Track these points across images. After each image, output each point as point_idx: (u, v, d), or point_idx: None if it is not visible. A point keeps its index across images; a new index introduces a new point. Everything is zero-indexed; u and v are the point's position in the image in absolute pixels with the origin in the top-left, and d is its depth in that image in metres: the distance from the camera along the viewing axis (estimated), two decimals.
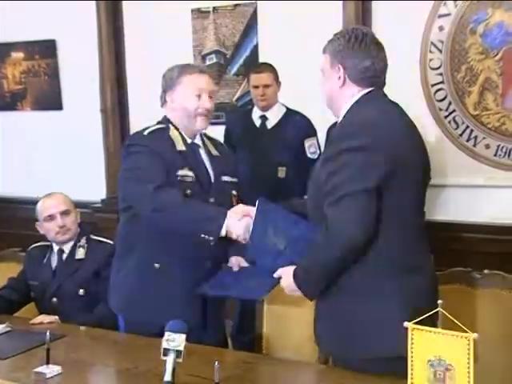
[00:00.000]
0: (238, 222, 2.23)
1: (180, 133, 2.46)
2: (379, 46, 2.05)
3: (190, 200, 2.34)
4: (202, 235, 2.24)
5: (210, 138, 2.60)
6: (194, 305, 2.37)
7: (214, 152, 2.54)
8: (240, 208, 2.28)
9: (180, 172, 2.37)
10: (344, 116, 2.03)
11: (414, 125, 2.07)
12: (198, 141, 2.52)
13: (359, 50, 2.00)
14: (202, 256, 2.39)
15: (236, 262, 2.48)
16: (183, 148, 2.43)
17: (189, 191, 2.36)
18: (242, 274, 2.42)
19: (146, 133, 2.45)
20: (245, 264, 2.47)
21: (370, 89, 2.02)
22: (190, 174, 2.39)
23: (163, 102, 2.50)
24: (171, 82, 2.45)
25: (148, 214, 2.31)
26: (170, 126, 2.47)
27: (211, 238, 2.24)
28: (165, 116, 2.51)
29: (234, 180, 2.55)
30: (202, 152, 2.51)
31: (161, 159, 2.36)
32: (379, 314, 1.91)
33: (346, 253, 1.89)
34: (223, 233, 2.24)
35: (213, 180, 2.46)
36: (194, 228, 2.25)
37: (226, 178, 2.50)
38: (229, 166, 2.57)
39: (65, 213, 2.86)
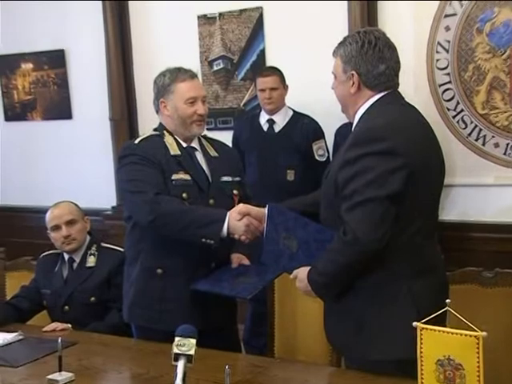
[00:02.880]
0: (238, 222, 2.24)
1: (175, 138, 2.47)
2: (392, 48, 2.01)
3: (189, 206, 2.35)
4: (203, 240, 2.25)
5: (209, 139, 2.60)
6: (202, 308, 2.37)
7: (213, 153, 2.54)
8: (239, 208, 2.27)
9: (175, 176, 2.38)
10: (361, 119, 2.01)
11: (431, 127, 2.05)
12: (194, 144, 2.52)
13: (373, 55, 1.97)
14: (206, 257, 2.39)
15: (237, 259, 2.48)
16: (178, 152, 2.44)
17: (185, 195, 2.37)
18: (239, 272, 2.42)
19: (136, 141, 2.48)
20: (246, 262, 2.48)
21: (387, 91, 2.01)
22: (186, 177, 2.40)
23: (157, 109, 2.51)
24: (163, 89, 2.45)
25: (148, 224, 2.32)
26: (165, 132, 2.48)
27: (212, 242, 2.25)
28: (160, 123, 2.52)
29: (236, 179, 2.54)
30: (199, 155, 2.51)
31: (155, 165, 2.37)
32: (391, 315, 1.91)
33: (364, 258, 1.88)
34: (224, 234, 2.25)
35: (211, 181, 2.46)
36: (194, 234, 2.26)
37: (225, 178, 2.50)
38: (230, 165, 2.56)
39: (70, 223, 2.86)
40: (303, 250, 2.07)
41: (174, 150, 2.44)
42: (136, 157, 2.40)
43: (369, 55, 1.97)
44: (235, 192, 2.50)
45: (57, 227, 2.87)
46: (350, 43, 2.00)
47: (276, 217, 2.14)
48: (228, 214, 2.26)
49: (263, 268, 2.35)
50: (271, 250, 2.14)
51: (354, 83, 2.00)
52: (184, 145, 2.48)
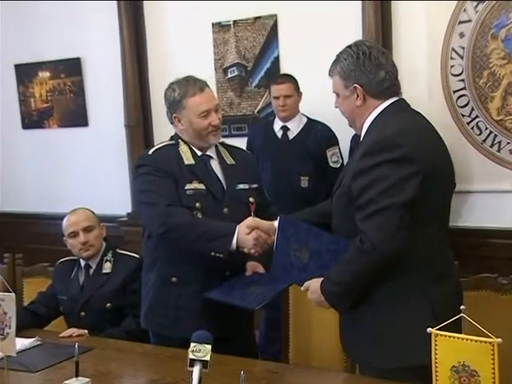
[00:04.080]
0: (247, 235, 2.25)
1: (190, 147, 2.48)
2: (385, 54, 2.05)
3: (199, 219, 2.36)
4: (212, 253, 2.27)
5: (226, 146, 2.60)
6: (216, 317, 2.36)
7: (229, 161, 2.54)
8: (248, 221, 2.29)
9: (189, 186, 2.40)
10: (369, 129, 2.02)
11: (439, 133, 2.07)
12: (210, 152, 2.52)
13: (370, 64, 1.99)
14: (220, 266, 2.40)
15: (251, 267, 2.49)
16: (192, 162, 2.44)
17: (198, 204, 2.38)
18: (252, 280, 2.43)
19: (150, 152, 2.49)
20: (261, 270, 2.49)
21: (393, 99, 2.02)
22: (200, 186, 2.40)
23: (171, 122, 2.51)
24: (175, 105, 2.45)
25: (159, 236, 2.36)
26: (180, 141, 2.48)
27: (222, 256, 2.27)
28: (176, 133, 2.53)
29: (253, 186, 2.54)
30: (215, 163, 2.51)
31: (168, 176, 2.38)
32: (407, 322, 1.91)
33: (380, 267, 1.89)
34: (233, 248, 2.27)
35: (226, 190, 2.46)
36: (203, 247, 2.29)
37: (241, 186, 2.50)
38: (247, 172, 2.55)
39: (87, 229, 2.89)
40: (315, 261, 2.07)
41: (187, 160, 2.44)
42: (149, 167, 2.42)
43: (366, 65, 1.99)
44: (251, 200, 2.50)
45: (74, 234, 2.89)
46: (345, 58, 2.02)
47: (287, 229, 2.15)
48: (237, 227, 2.27)
49: (276, 277, 2.36)
50: (281, 262, 2.15)
51: (358, 96, 2.01)
52: (199, 153, 2.49)
